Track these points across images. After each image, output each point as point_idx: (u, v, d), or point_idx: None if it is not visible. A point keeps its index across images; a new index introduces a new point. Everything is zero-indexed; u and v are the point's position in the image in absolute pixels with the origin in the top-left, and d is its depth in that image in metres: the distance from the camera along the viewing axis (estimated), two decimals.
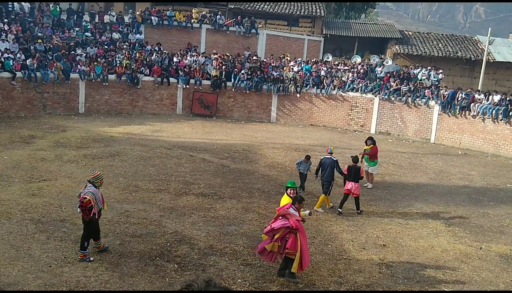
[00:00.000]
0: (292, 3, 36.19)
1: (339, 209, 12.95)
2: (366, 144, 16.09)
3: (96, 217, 9.03)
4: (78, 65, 24.95)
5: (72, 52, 25.85)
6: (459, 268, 10.01)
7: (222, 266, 9.16)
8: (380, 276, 9.36)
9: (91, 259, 9.00)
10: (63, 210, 11.44)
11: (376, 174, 16.43)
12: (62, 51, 25.39)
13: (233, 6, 34.11)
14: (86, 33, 28.05)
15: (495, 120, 22.89)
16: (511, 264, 10.40)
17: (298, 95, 27.65)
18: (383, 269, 9.64)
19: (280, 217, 8.77)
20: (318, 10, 34.99)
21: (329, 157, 13.55)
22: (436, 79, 26.61)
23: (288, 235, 8.70)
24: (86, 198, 8.79)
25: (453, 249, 11.04)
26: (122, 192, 13.19)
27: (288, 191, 9.56)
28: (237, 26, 32.29)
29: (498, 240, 11.88)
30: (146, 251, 9.57)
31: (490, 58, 31.73)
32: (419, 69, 27.93)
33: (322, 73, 28.09)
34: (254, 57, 29.70)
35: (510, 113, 22.39)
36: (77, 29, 28.19)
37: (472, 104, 23.76)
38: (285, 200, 9.38)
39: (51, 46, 25.53)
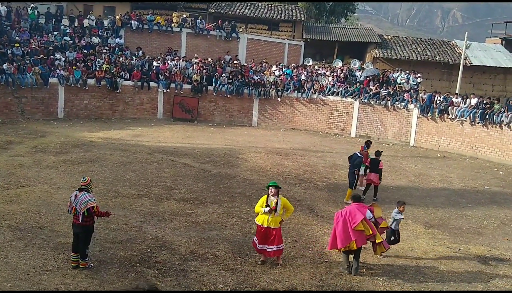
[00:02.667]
0: (273, 7, 36.40)
1: (362, 195, 14.29)
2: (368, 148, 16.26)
3: (93, 221, 8.98)
4: (57, 70, 24.67)
5: (51, 56, 25.55)
6: (438, 270, 10.12)
7: (203, 272, 9.11)
8: (360, 278, 9.41)
9: (92, 264, 8.95)
10: (42, 217, 11.26)
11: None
12: (41, 55, 25.08)
13: (213, 10, 34.13)
14: (65, 37, 27.77)
15: (473, 123, 23.29)
16: (489, 265, 10.56)
17: (279, 99, 27.76)
18: (363, 272, 9.70)
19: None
20: (298, 15, 35.23)
21: (357, 153, 14.83)
22: (415, 83, 26.97)
23: None
24: (94, 206, 8.75)
25: (432, 251, 11.17)
26: (102, 197, 13.03)
27: (269, 189, 9.58)
28: (217, 30, 32.30)
29: (476, 241, 12.06)
30: (126, 257, 9.47)
31: (467, 62, 32.33)
32: (398, 73, 28.27)
33: (303, 77, 28.26)
34: (235, 62, 29.74)
35: (487, 116, 22.78)
36: (55, 33, 27.88)
37: (450, 107, 24.14)
38: (262, 200, 9.53)
39: (29, 50, 25.20)
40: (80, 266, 8.84)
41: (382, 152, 15.53)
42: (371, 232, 9.59)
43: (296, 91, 27.80)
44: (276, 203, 9.36)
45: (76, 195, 8.83)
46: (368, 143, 16.09)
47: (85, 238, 8.88)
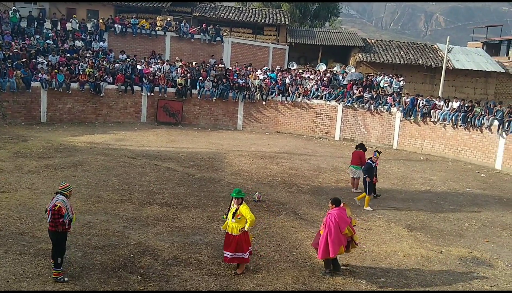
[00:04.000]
0: (257, 11, 36.52)
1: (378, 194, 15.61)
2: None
3: (67, 227, 8.64)
4: (39, 74, 24.43)
5: (33, 60, 25.30)
6: (421, 272, 10.22)
7: (186, 277, 9.08)
8: (343, 281, 9.46)
9: (66, 279, 8.57)
10: (23, 223, 11.14)
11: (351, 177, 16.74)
12: (23, 59, 24.81)
13: (198, 14, 34.12)
14: (47, 41, 27.54)
15: (455, 126, 23.55)
16: (470, 267, 10.69)
17: (264, 103, 27.81)
18: (346, 275, 9.75)
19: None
20: (282, 19, 35.36)
21: (369, 161, 14.84)
22: (398, 87, 27.20)
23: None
24: (57, 205, 8.42)
25: (414, 253, 11.27)
26: (85, 202, 12.95)
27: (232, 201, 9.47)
28: (202, 34, 32.28)
29: (458, 243, 12.20)
30: (109, 262, 9.41)
31: (449, 65, 32.74)
32: (381, 76, 28.50)
33: (287, 81, 28.35)
34: (220, 65, 29.74)
35: (469, 119, 23.07)
36: (38, 36, 27.61)
37: (432, 110, 24.39)
38: (247, 209, 9.31)
39: (11, 54, 24.92)
40: (52, 275, 8.57)
41: (381, 152, 16.31)
42: (352, 233, 9.73)
43: (280, 95, 27.88)
44: (235, 211, 9.26)
45: (53, 198, 8.72)
46: (377, 152, 15.82)
47: (56, 245, 8.59)
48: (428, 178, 19.38)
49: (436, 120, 24.22)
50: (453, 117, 23.49)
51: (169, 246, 10.41)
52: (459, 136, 23.61)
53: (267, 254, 10.48)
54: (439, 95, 28.27)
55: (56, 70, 24.93)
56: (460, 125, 23.35)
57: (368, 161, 14.83)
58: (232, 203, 9.49)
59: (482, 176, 20.68)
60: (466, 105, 23.65)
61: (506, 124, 21.67)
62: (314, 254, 10.63)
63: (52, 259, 8.66)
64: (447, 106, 24.21)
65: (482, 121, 22.56)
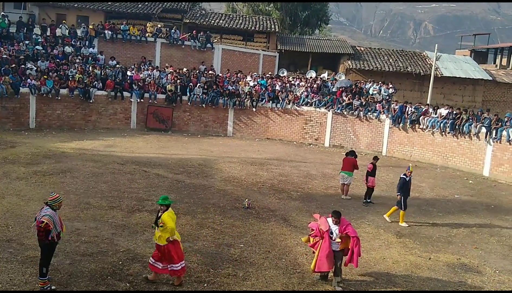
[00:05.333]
0: (247, 19, 36.66)
1: (369, 200, 16.10)
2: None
3: (56, 240, 8.49)
4: (28, 79, 24.29)
5: (22, 65, 25.15)
6: (410, 279, 10.27)
7: (175, 284, 9.04)
8: (333, 289, 9.48)
9: (53, 288, 8.47)
10: (10, 230, 11.03)
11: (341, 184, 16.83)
12: (12, 65, 24.66)
13: (188, 21, 34.15)
14: (36, 47, 27.39)
15: (443, 133, 23.75)
16: (458, 273, 10.77)
17: (254, 109, 27.85)
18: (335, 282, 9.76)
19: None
20: (273, 26, 35.51)
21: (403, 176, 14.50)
22: (386, 94, 27.39)
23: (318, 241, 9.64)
24: (43, 222, 8.20)
25: (403, 260, 11.33)
26: (73, 209, 12.86)
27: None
28: (192, 40, 32.29)
29: (446, 250, 12.28)
30: (97, 270, 9.35)
31: (438, 73, 33.05)
32: (370, 84, 28.69)
33: (277, 88, 28.45)
34: (210, 72, 29.77)
35: (457, 126, 23.28)
36: (27, 42, 27.46)
37: (421, 117, 24.59)
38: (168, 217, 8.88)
39: (0, 59, 24.75)
40: (39, 284, 8.44)
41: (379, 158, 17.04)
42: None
43: (270, 102, 27.95)
44: (158, 218, 8.95)
45: (42, 208, 8.57)
46: (410, 166, 15.60)
47: (41, 254, 8.47)
48: (417, 185, 19.45)
49: (424, 127, 24.41)
50: (442, 125, 23.69)
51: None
52: (447, 143, 23.80)
53: (256, 261, 10.47)
54: (428, 102, 28.51)
55: (45, 76, 24.81)
56: (449, 133, 23.55)
57: (402, 176, 14.37)
58: (159, 210, 9.05)
59: (470, 182, 20.86)
60: (454, 112, 23.87)
61: (494, 131, 21.91)
62: (303, 261, 10.66)
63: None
64: (435, 114, 24.42)
65: (470, 129, 22.77)
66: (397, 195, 14.31)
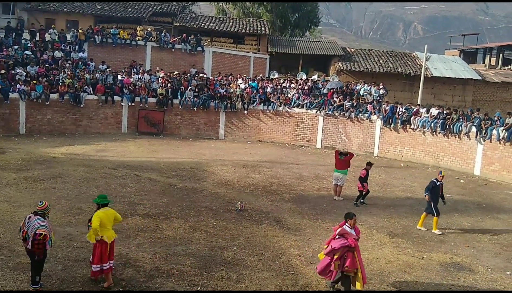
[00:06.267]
0: (238, 21, 36.65)
1: (362, 201, 16.11)
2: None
3: (47, 247, 8.38)
4: (18, 85, 24.13)
5: (11, 71, 24.99)
6: (403, 279, 10.30)
7: (168, 288, 9.00)
8: (326, 289, 9.48)
9: None
10: (1, 236, 10.94)
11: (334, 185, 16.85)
12: (1, 70, 24.48)
13: (178, 24, 34.11)
14: (26, 52, 27.22)
15: (434, 133, 23.88)
16: (450, 272, 10.81)
17: (245, 112, 27.85)
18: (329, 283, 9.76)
19: (338, 236, 9.03)
20: (263, 28, 35.55)
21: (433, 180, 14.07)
22: (377, 95, 27.48)
23: (347, 254, 8.94)
24: (42, 234, 8.04)
25: (396, 260, 11.35)
26: (65, 214, 12.78)
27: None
28: (183, 43, 32.26)
29: (439, 249, 12.33)
30: (90, 275, 9.27)
31: (427, 73, 33.23)
32: (361, 85, 28.79)
33: (268, 90, 28.47)
34: (201, 75, 29.74)
35: (448, 126, 23.41)
36: (16, 47, 27.29)
37: (412, 118, 24.70)
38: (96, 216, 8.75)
39: None
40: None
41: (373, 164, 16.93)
42: None
43: (262, 104, 27.97)
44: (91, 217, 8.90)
45: (30, 218, 8.35)
46: (442, 171, 15.05)
47: (35, 264, 8.36)
48: (408, 185, 19.57)
49: (415, 127, 24.53)
50: (432, 124, 23.82)
51: (151, 257, 10.32)
52: (438, 143, 23.93)
53: (250, 263, 10.45)
54: (418, 102, 28.65)
55: (35, 81, 24.66)
56: (439, 132, 23.68)
57: (433, 180, 14.01)
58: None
59: (462, 181, 20.97)
60: (445, 112, 24.00)
61: (484, 131, 22.05)
62: (297, 263, 10.66)
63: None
64: (427, 113, 24.56)
65: (460, 128, 22.91)
66: (425, 195, 13.90)
